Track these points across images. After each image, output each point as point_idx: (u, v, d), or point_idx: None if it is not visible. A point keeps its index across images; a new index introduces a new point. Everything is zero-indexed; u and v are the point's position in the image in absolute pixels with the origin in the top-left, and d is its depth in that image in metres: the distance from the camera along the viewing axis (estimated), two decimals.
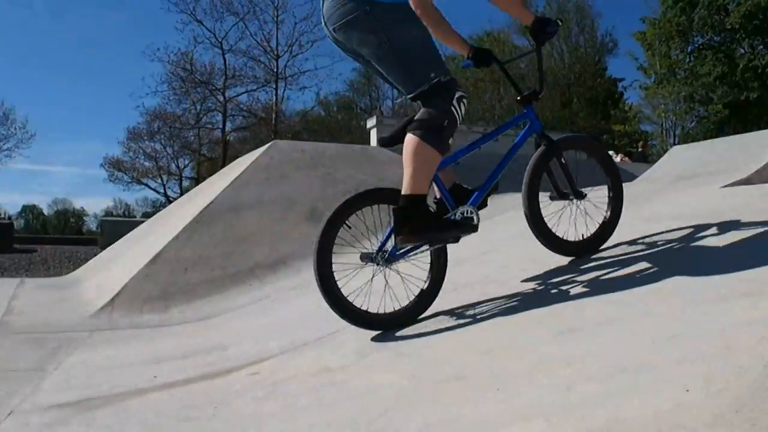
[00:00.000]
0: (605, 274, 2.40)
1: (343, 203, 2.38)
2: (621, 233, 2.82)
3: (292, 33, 25.86)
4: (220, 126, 27.83)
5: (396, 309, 2.42)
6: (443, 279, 2.52)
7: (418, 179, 2.26)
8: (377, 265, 2.40)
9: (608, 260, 2.60)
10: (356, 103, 33.13)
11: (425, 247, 2.43)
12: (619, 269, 2.41)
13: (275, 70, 25.61)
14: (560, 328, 1.90)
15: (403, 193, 2.28)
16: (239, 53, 26.23)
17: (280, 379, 2.21)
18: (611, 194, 2.78)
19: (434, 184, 2.48)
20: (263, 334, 3.08)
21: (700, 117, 26.07)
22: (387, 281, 2.42)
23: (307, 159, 5.81)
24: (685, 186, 3.94)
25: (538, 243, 2.62)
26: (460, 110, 2.34)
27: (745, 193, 3.43)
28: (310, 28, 25.30)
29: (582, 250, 2.71)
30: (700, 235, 2.60)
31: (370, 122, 7.10)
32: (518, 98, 2.68)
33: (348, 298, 2.36)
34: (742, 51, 25.07)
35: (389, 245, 2.40)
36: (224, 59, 26.38)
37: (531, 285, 2.52)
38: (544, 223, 2.62)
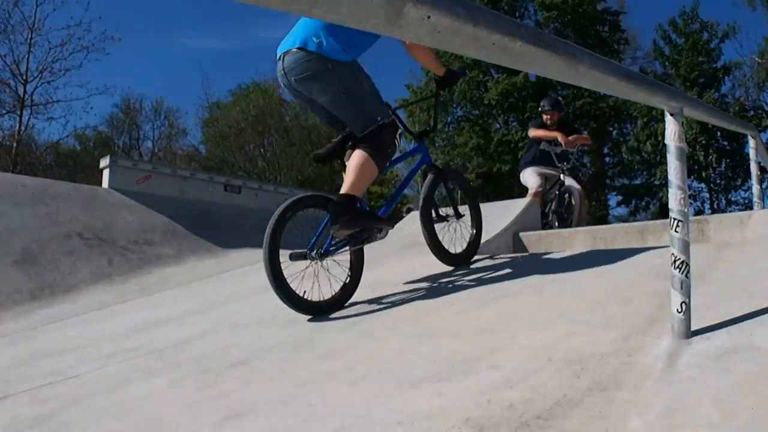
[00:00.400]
0: (302, 345, 2.34)
1: (284, 207, 2.73)
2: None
3: (45, 58, 23.11)
4: None
5: (329, 297, 2.82)
6: (360, 277, 2.99)
7: (358, 186, 2.77)
8: (311, 260, 2.82)
9: (313, 329, 2.55)
10: (114, 141, 30.52)
11: (347, 248, 2.93)
12: (321, 341, 2.35)
13: (22, 95, 22.59)
14: (229, 412, 1.72)
15: (342, 192, 2.75)
16: None
17: None
18: (473, 220, 3.53)
19: None
20: None
21: None
22: (330, 274, 2.85)
23: (28, 195, 5.19)
24: (414, 253, 3.91)
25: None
26: (400, 142, 3.00)
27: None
28: (65, 56, 22.79)
29: (461, 261, 3.39)
30: (412, 308, 2.62)
31: (103, 162, 6.57)
32: (412, 135, 3.31)
33: (292, 288, 2.70)
34: (498, 126, 26.75)
35: (324, 244, 2.87)
36: None
37: (203, 360, 2.37)
38: (440, 242, 3.27)
